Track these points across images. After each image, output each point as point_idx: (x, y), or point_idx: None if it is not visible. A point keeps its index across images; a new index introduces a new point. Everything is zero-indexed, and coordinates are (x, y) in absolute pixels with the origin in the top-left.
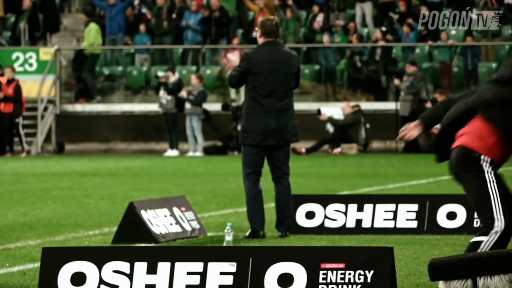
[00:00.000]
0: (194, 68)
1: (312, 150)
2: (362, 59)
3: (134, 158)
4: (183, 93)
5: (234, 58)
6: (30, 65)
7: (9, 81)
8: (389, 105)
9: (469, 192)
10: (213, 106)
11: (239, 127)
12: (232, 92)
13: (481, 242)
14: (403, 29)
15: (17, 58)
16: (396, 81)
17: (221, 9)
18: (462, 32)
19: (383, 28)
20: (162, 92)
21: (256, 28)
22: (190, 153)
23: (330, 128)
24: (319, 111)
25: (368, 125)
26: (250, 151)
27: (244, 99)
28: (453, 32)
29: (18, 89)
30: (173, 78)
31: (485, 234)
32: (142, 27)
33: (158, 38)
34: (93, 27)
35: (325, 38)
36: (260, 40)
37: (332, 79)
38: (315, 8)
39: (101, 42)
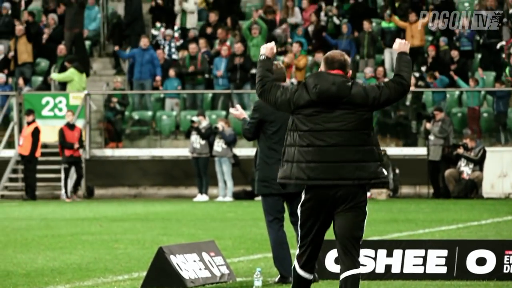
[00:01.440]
0: (223, 113)
1: None
2: None
3: (163, 203)
4: (218, 125)
5: (236, 112)
6: (60, 110)
7: (72, 126)
8: (419, 151)
9: (361, 222)
10: (243, 151)
11: None
12: None
13: (359, 274)
14: (427, 79)
15: (47, 102)
16: (428, 125)
17: (243, 54)
18: (492, 77)
19: (416, 74)
20: (194, 137)
21: None
22: (220, 198)
23: None
24: None
25: (397, 170)
26: (271, 199)
27: (259, 149)
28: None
29: (81, 134)
30: (204, 122)
31: (358, 266)
32: (172, 72)
33: (190, 84)
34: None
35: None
36: None
37: None
38: None
39: (81, 86)
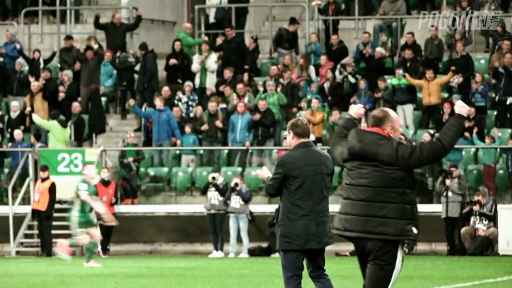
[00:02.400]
0: (239, 169)
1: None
2: None
3: (179, 259)
4: (236, 180)
5: (262, 173)
6: (76, 166)
7: (107, 183)
8: (435, 207)
9: (382, 279)
10: (257, 207)
11: None
12: None
13: None
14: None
15: (63, 159)
16: (448, 182)
17: (266, 111)
18: (508, 135)
19: (431, 131)
20: (212, 193)
21: (286, 133)
22: (232, 254)
23: None
24: None
25: None
26: (292, 254)
27: (281, 204)
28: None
29: (117, 190)
30: (221, 179)
31: None
32: (188, 129)
33: (207, 141)
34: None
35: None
36: (293, 142)
37: None
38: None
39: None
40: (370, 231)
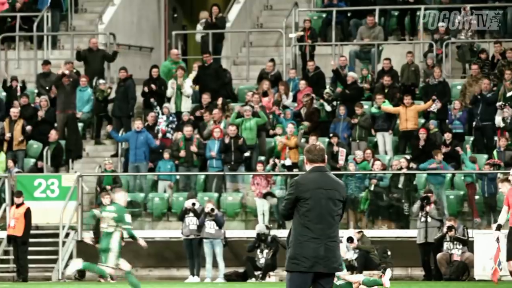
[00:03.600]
0: (216, 195)
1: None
2: (379, 183)
3: (155, 285)
4: (212, 205)
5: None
6: (52, 191)
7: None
8: (411, 233)
9: None
10: (234, 232)
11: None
12: (261, 220)
13: None
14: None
15: (39, 184)
16: (428, 208)
17: (236, 136)
18: (484, 160)
19: (407, 156)
20: (190, 219)
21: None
22: (208, 280)
23: (346, 255)
24: (352, 239)
25: (389, 252)
26: (297, 277)
27: (292, 226)
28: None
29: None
30: (198, 204)
31: None
32: (166, 155)
33: (184, 166)
34: None
35: (352, 166)
36: (307, 167)
37: (354, 207)
38: (334, 139)
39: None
40: None
